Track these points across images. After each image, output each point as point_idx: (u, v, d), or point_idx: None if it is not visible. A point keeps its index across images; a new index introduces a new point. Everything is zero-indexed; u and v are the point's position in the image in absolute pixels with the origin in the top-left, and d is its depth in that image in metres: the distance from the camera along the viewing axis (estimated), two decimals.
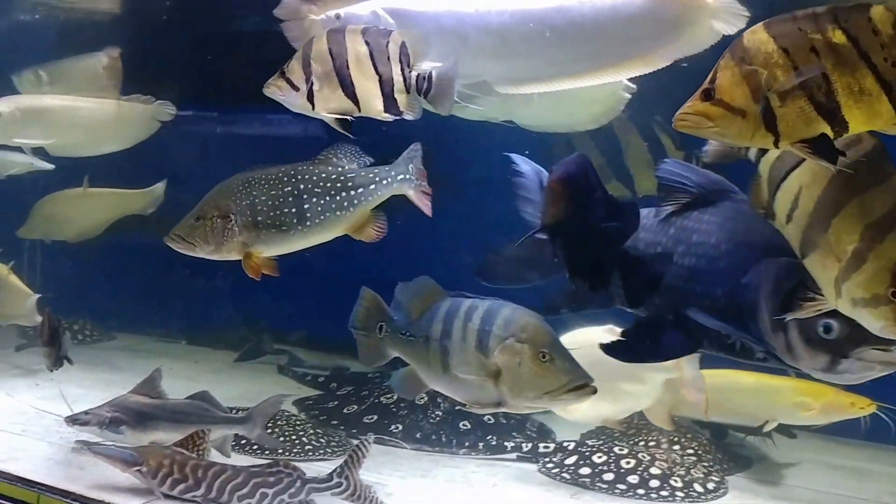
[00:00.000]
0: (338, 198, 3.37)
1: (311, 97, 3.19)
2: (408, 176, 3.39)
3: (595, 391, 2.97)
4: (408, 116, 3.19)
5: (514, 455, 4.41)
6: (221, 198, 3.39)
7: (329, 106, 3.20)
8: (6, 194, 6.08)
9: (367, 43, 3.11)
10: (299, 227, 3.36)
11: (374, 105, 3.17)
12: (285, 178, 3.37)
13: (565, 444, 4.37)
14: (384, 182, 3.39)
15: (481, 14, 3.39)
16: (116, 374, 5.36)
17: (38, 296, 5.64)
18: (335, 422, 4.77)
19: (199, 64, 6.46)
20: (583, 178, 3.04)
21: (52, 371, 3.39)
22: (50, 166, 5.89)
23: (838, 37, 2.38)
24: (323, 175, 3.38)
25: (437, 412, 4.62)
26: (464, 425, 4.55)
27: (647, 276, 3.10)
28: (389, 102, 3.15)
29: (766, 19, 2.52)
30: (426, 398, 4.65)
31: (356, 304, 3.50)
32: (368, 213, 3.43)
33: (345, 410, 4.87)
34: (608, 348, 3.14)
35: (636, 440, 4.48)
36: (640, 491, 3.96)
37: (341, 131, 3.28)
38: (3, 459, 4.01)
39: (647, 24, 3.32)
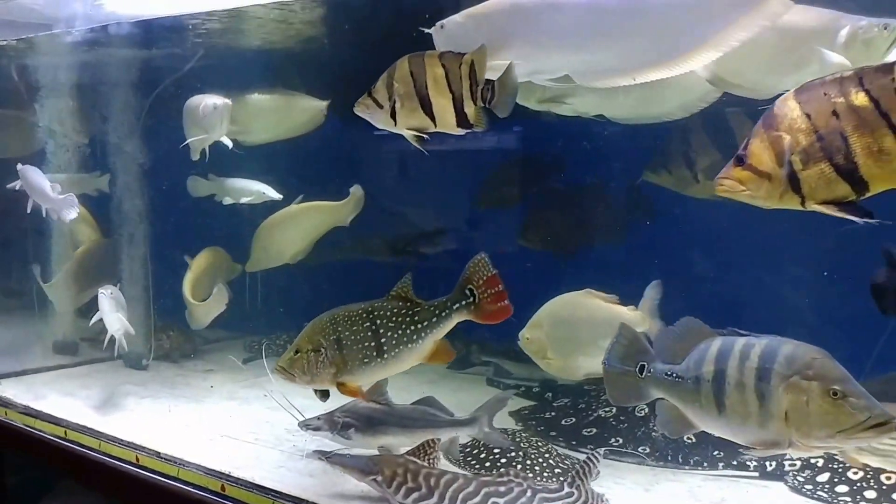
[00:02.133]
0: (408, 331, 3.54)
1: (393, 114, 3.45)
2: (464, 302, 3.52)
3: None
4: (476, 129, 3.40)
5: (756, 473, 4.17)
6: (313, 333, 3.63)
7: (409, 122, 3.46)
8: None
9: (443, 66, 3.36)
10: (378, 360, 3.56)
11: (448, 120, 3.41)
12: (364, 315, 3.58)
13: (812, 460, 4.04)
14: (443, 314, 3.55)
15: (556, 7, 3.49)
16: None
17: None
18: (553, 433, 4.69)
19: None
20: None
21: (323, 402, 3.74)
22: (278, 196, 6.19)
23: (860, 99, 2.42)
24: (394, 310, 3.57)
25: None
26: (688, 439, 4.32)
27: None
28: (461, 117, 3.38)
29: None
30: (646, 410, 4.50)
31: (613, 341, 3.38)
32: (439, 342, 3.58)
33: (563, 422, 4.78)
34: None
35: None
36: None
37: (417, 146, 3.51)
38: (239, 467, 4.20)
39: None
